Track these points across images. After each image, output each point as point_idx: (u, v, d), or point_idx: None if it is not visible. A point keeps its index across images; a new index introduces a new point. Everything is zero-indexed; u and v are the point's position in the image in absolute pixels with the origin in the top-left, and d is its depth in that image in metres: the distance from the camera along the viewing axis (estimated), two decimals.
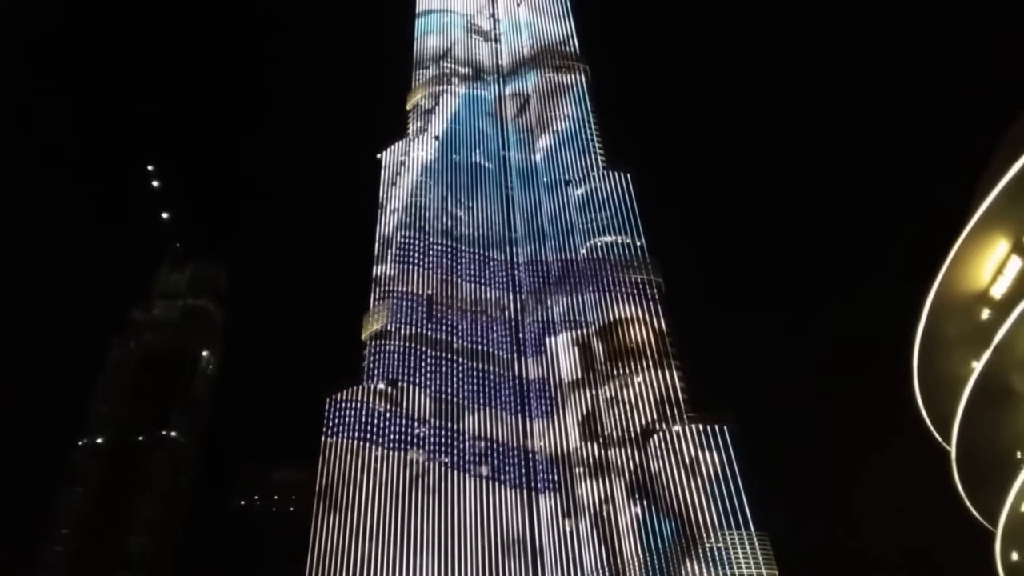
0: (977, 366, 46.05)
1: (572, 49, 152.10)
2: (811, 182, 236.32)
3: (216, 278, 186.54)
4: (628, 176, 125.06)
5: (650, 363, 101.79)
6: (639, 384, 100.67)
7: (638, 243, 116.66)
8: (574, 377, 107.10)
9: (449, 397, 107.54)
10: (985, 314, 47.44)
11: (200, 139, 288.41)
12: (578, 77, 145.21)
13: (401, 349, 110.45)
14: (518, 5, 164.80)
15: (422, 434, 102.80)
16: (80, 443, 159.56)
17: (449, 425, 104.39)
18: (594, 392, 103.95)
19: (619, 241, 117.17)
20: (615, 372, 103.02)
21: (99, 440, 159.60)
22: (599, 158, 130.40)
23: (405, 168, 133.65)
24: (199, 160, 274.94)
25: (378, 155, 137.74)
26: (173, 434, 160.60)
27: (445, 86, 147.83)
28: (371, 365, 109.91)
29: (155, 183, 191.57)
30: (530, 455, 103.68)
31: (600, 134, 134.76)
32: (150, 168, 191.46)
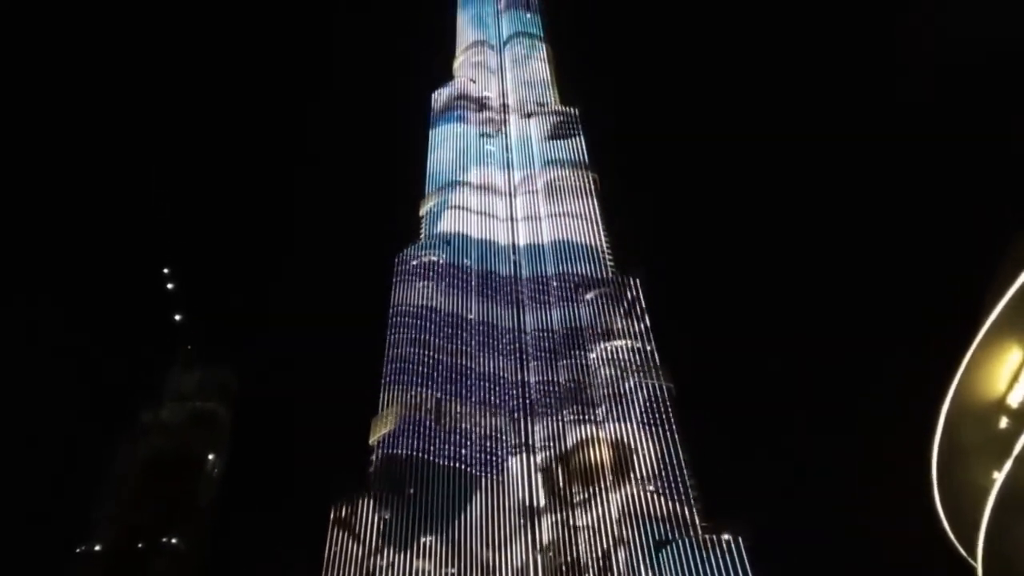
0: (999, 477, 44.92)
1: (581, 158, 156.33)
2: (825, 288, 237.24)
3: (226, 381, 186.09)
4: (638, 281, 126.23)
5: (661, 471, 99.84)
6: (650, 493, 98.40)
7: (648, 348, 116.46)
8: (580, 484, 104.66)
9: (458, 504, 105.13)
10: (1003, 423, 46.70)
11: (215, 243, 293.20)
12: (587, 185, 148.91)
13: (409, 455, 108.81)
14: (528, 116, 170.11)
15: (429, 543, 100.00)
16: (78, 550, 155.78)
17: (458, 534, 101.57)
18: (603, 501, 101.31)
19: (629, 346, 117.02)
20: (623, 480, 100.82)
21: (97, 547, 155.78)
22: (608, 263, 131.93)
23: (416, 271, 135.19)
24: (213, 263, 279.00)
25: (390, 258, 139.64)
26: (174, 541, 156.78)
27: (457, 194, 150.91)
28: (378, 471, 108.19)
29: (169, 285, 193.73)
30: (538, 567, 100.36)
31: (609, 240, 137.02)
32: (165, 271, 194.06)
